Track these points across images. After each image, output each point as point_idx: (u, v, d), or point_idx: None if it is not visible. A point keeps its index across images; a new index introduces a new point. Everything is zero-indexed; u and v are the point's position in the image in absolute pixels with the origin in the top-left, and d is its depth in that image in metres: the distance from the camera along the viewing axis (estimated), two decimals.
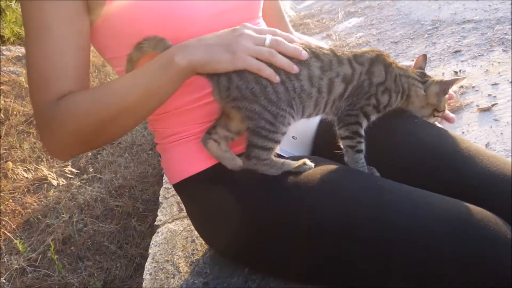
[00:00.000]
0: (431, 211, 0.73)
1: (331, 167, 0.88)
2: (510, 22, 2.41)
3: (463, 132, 1.88)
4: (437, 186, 0.81)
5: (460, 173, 0.83)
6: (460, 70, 2.24)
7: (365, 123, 0.93)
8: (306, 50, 0.84)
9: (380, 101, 0.92)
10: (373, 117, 0.94)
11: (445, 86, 0.98)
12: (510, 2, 2.58)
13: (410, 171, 0.88)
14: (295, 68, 0.81)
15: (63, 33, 0.81)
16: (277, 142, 0.84)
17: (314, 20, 3.78)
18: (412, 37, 2.77)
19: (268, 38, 0.80)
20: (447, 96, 1.00)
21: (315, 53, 0.86)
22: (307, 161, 0.88)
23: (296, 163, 0.87)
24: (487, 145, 1.76)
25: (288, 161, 0.88)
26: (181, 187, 0.99)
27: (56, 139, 0.84)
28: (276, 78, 0.80)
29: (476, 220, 0.70)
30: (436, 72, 2.32)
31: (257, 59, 0.79)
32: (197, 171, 0.94)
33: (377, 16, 3.29)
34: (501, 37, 2.33)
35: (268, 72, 0.79)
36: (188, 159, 0.95)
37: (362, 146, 0.92)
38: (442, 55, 2.44)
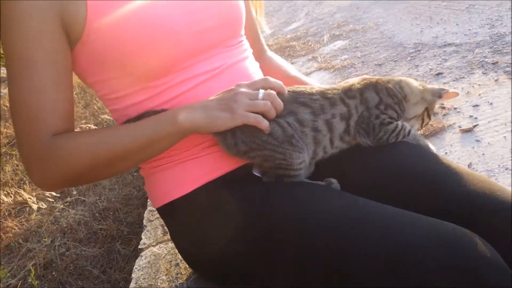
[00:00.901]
0: (412, 231, 0.73)
1: (315, 188, 0.88)
2: (489, 45, 2.48)
3: (446, 153, 1.91)
4: (417, 205, 0.82)
5: (441, 191, 0.83)
6: None
7: (395, 121, 0.96)
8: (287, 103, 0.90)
9: (389, 115, 0.96)
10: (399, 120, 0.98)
11: (442, 90, 1.00)
12: (488, 27, 2.66)
13: (389, 189, 0.89)
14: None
15: (50, 68, 0.82)
16: (299, 169, 0.90)
17: (300, 42, 3.84)
18: (395, 59, 2.82)
19: (261, 92, 0.87)
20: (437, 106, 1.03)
21: (303, 103, 0.91)
22: (333, 180, 0.93)
23: (323, 183, 0.93)
24: (469, 166, 1.79)
25: (318, 182, 0.93)
26: (165, 211, 0.99)
27: (47, 174, 0.85)
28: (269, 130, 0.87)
29: (455, 239, 0.70)
30: None
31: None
32: (181, 195, 0.93)
33: (362, 39, 3.36)
34: (481, 60, 2.40)
35: (265, 124, 0.86)
36: (172, 183, 0.94)
37: (407, 128, 0.96)
38: (424, 77, 2.49)
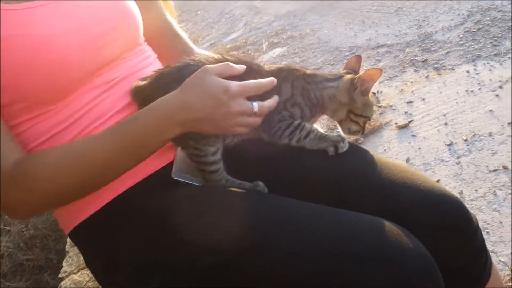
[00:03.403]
0: (334, 227, 0.70)
1: (234, 193, 0.83)
2: (418, 44, 2.56)
3: (384, 150, 1.92)
4: (341, 198, 0.80)
5: (363, 184, 0.82)
6: (377, 91, 2.32)
7: (291, 119, 0.89)
8: None
9: (293, 113, 0.89)
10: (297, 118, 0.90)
11: (356, 80, 0.88)
12: (416, 27, 2.75)
13: (310, 185, 0.85)
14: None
15: None
16: (213, 163, 0.84)
17: (240, 52, 3.82)
18: (332, 63, 2.86)
19: (255, 107, 0.80)
20: (371, 99, 0.91)
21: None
22: (260, 183, 0.86)
23: (250, 184, 0.86)
24: (407, 161, 1.80)
25: (245, 182, 0.86)
26: (76, 235, 0.89)
27: (25, 198, 0.76)
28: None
29: (378, 231, 0.69)
30: None
31: None
32: (88, 215, 0.84)
33: (299, 45, 3.39)
34: (412, 58, 2.46)
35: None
36: (77, 204, 0.84)
37: (305, 129, 0.88)
38: None
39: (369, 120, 0.93)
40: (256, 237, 0.72)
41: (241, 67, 0.82)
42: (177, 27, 1.08)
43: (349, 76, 0.91)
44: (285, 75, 0.89)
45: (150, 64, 0.95)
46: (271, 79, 0.84)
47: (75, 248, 1.38)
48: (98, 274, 0.90)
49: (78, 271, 1.21)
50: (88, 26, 0.83)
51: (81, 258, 1.30)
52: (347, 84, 0.90)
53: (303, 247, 0.69)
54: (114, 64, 0.87)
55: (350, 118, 0.92)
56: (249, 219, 0.74)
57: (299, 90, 0.89)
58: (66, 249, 1.40)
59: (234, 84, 0.77)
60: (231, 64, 0.81)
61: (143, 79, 0.87)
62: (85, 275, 1.18)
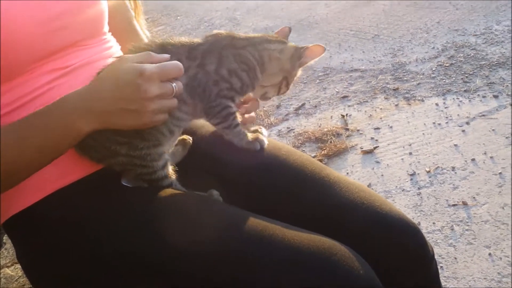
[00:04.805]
0: (280, 246, 0.66)
1: (183, 198, 0.78)
2: (391, 73, 2.56)
3: (347, 173, 1.88)
4: (297, 214, 0.77)
5: (319, 201, 0.79)
6: (346, 114, 2.29)
7: (232, 104, 0.84)
8: None
9: (232, 83, 0.82)
10: (238, 98, 0.85)
11: (304, 50, 0.86)
12: (391, 55, 2.77)
13: (265, 199, 0.82)
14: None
15: None
16: (165, 177, 0.80)
17: None
18: (305, 81, 2.83)
19: (175, 87, 0.73)
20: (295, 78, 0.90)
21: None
22: (214, 192, 0.82)
23: (204, 194, 0.82)
24: (369, 186, 1.76)
25: (197, 192, 0.82)
26: (9, 227, 0.82)
27: None
28: None
29: (329, 254, 0.65)
30: (325, 115, 2.36)
31: None
32: (23, 207, 0.77)
33: None
34: (383, 85, 2.46)
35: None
36: (12, 192, 0.76)
37: (237, 120, 0.85)
38: (331, 99, 2.50)
39: (277, 94, 0.93)
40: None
41: (164, 56, 0.74)
42: (142, 34, 1.03)
43: (291, 43, 0.89)
44: (205, 49, 0.82)
45: (112, 55, 0.90)
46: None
47: None
48: (28, 270, 0.84)
49: (12, 265, 1.09)
50: (43, 6, 0.77)
51: None
52: (292, 50, 0.87)
53: (238, 263, 0.65)
54: (72, 50, 0.83)
55: (281, 85, 0.90)
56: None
57: (230, 59, 0.83)
58: (4, 240, 1.27)
59: (149, 67, 0.69)
60: (152, 53, 0.73)
61: None
62: (19, 270, 1.07)
